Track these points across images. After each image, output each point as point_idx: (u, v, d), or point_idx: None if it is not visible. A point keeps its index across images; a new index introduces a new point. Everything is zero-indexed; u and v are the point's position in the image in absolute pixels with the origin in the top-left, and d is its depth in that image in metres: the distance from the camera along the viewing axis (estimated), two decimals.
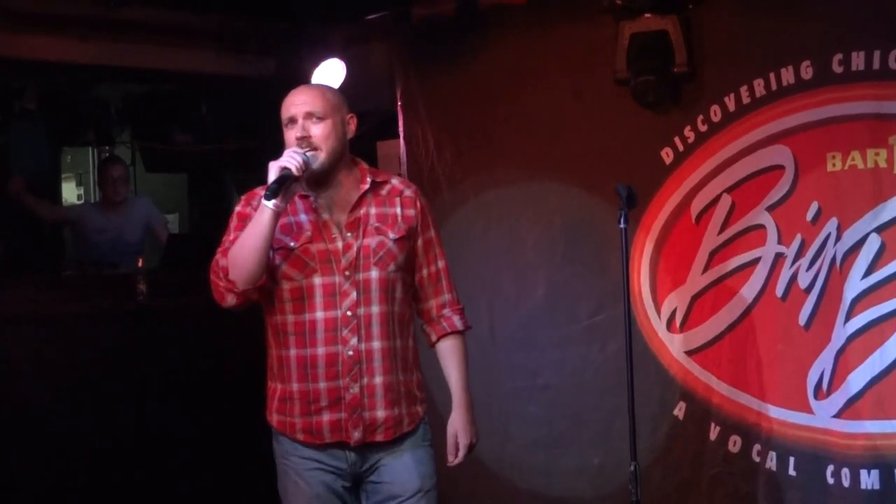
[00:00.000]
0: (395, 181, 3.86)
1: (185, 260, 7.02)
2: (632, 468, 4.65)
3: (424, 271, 3.84)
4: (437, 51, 6.16)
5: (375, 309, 3.70)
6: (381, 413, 3.70)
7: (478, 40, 5.99)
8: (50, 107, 7.85)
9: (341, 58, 6.52)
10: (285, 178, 3.57)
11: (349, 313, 3.68)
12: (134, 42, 6.61)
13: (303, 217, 3.73)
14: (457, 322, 3.87)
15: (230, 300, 3.70)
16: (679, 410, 5.36)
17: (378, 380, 3.70)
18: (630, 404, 4.71)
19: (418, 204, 3.82)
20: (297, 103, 3.73)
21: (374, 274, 3.70)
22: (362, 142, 6.50)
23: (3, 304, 5.94)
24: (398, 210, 3.78)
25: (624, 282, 4.79)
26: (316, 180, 3.72)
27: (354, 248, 3.70)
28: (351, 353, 3.68)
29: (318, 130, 3.69)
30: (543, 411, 5.79)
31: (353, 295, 3.69)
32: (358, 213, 3.74)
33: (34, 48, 6.40)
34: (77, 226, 7.59)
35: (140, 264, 6.73)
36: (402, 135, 6.33)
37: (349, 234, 3.71)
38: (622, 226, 4.73)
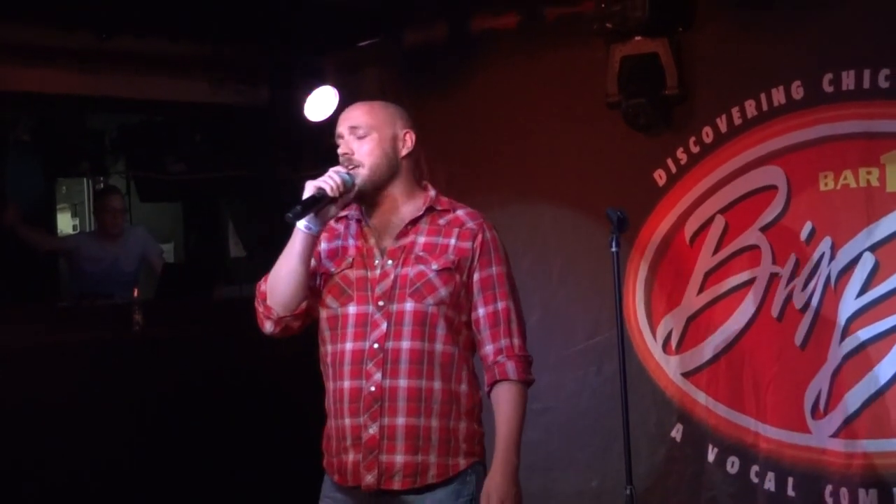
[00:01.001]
0: (460, 212, 3.56)
1: (180, 289, 7.04)
2: (627, 492, 4.63)
3: (480, 311, 3.50)
4: (429, 76, 6.18)
5: (406, 344, 3.43)
6: (399, 458, 3.41)
7: (469, 65, 6.01)
8: (44, 138, 7.88)
9: (334, 85, 6.53)
10: (317, 198, 3.40)
11: (376, 346, 3.43)
12: (127, 73, 6.62)
13: (350, 241, 3.55)
14: (509, 370, 3.46)
15: (268, 327, 3.53)
16: (676, 432, 5.35)
17: (400, 421, 3.41)
18: (625, 427, 4.70)
19: (479, 238, 3.50)
20: (343, 119, 3.57)
21: (409, 306, 3.43)
22: None
23: None
24: (452, 241, 3.49)
25: (617, 305, 4.78)
26: (368, 201, 3.54)
27: (391, 277, 3.46)
28: (373, 388, 3.42)
29: (361, 146, 3.50)
30: (541, 435, 5.76)
31: (384, 326, 3.43)
32: (404, 240, 3.50)
33: (28, 80, 6.42)
34: (72, 256, 7.59)
35: (135, 294, 6.74)
36: None
37: (389, 262, 3.47)
38: (613, 249, 4.71)
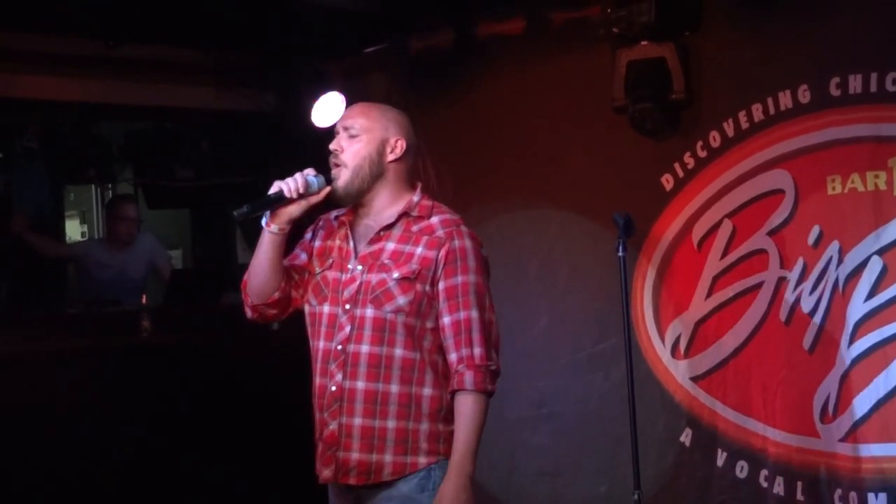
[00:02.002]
0: (435, 219, 3.61)
1: (188, 296, 7.04)
2: (635, 497, 4.63)
3: (445, 319, 3.55)
4: (436, 82, 6.19)
5: (365, 348, 3.54)
6: (354, 456, 3.54)
7: (476, 71, 6.02)
8: (52, 145, 7.88)
9: (341, 91, 6.54)
10: (270, 199, 3.53)
11: (339, 347, 3.57)
12: (134, 80, 6.64)
13: (336, 242, 3.67)
14: (467, 380, 3.50)
15: (248, 313, 3.72)
16: (685, 437, 5.34)
17: (357, 421, 3.53)
18: (633, 432, 4.70)
19: (446, 247, 3.54)
20: (344, 116, 3.67)
21: (370, 312, 3.54)
22: None
23: (7, 342, 5.95)
24: (418, 250, 3.56)
25: (624, 309, 4.78)
26: (353, 202, 3.64)
27: (357, 282, 3.57)
28: (334, 388, 3.56)
29: (350, 146, 3.59)
30: (549, 440, 5.78)
31: (347, 329, 3.56)
32: (376, 246, 3.60)
33: (35, 88, 6.44)
34: (81, 262, 7.61)
35: (144, 301, 6.74)
36: None
37: (359, 267, 3.58)
38: (620, 254, 4.73)
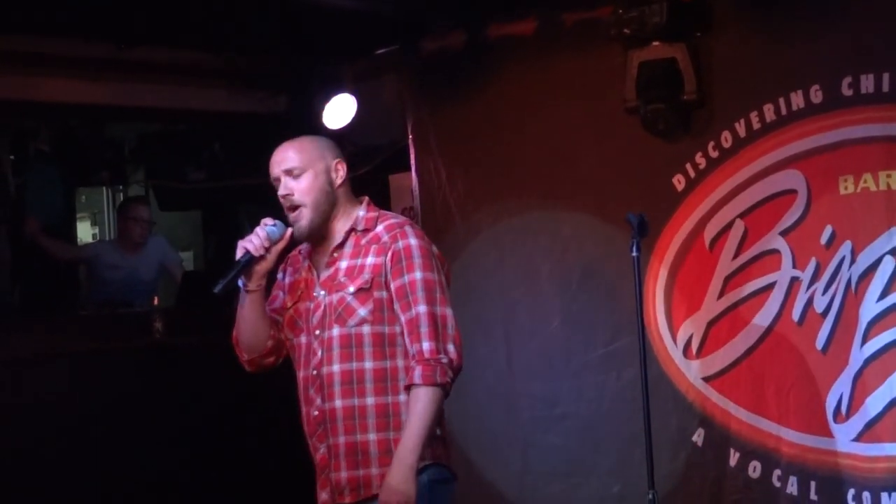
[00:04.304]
0: (380, 227, 3.71)
1: (200, 297, 7.04)
2: (650, 497, 4.64)
3: (402, 319, 3.62)
4: (448, 83, 6.19)
5: (336, 368, 3.62)
6: (344, 475, 3.63)
7: (487, 72, 6.01)
8: (64, 148, 7.91)
9: (352, 92, 6.56)
10: (241, 264, 3.62)
11: (314, 372, 3.67)
12: (145, 82, 6.66)
13: (303, 274, 3.79)
14: (415, 375, 3.55)
15: (246, 367, 3.86)
16: (698, 437, 5.34)
17: (341, 440, 3.63)
18: (647, 432, 4.71)
19: (391, 249, 3.64)
20: (275, 162, 3.73)
21: (335, 332, 3.64)
22: (374, 175, 6.59)
23: (19, 345, 5.97)
24: (368, 260, 3.66)
25: (638, 309, 4.79)
26: (315, 236, 3.72)
27: (322, 307, 3.68)
28: (316, 413, 3.67)
29: (298, 185, 3.67)
30: (562, 440, 5.78)
31: (319, 353, 3.66)
32: (332, 268, 3.70)
33: (47, 90, 6.46)
34: (92, 264, 7.62)
35: (155, 302, 6.76)
36: (413, 167, 6.35)
37: (322, 293, 3.69)
38: (634, 254, 4.74)
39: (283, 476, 6.37)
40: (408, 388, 3.58)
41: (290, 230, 3.68)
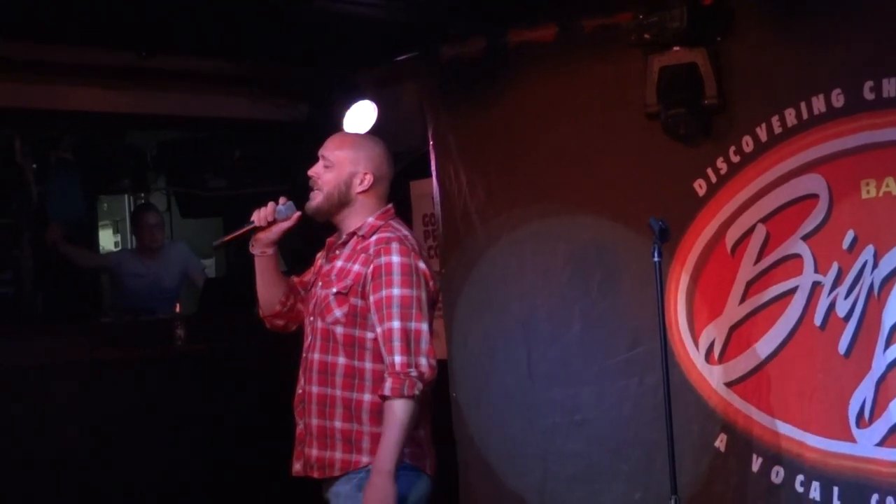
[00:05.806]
0: (373, 238, 3.92)
1: (222, 304, 7.07)
2: (672, 502, 4.62)
3: (378, 330, 3.83)
4: (468, 89, 6.19)
5: (316, 356, 3.92)
6: (314, 452, 3.92)
7: (507, 78, 6.01)
8: (85, 156, 7.95)
9: (373, 99, 6.57)
10: (245, 229, 3.99)
11: (305, 355, 3.99)
12: (166, 90, 6.69)
13: (321, 262, 4.09)
14: (386, 387, 3.76)
15: (265, 323, 4.19)
16: (720, 442, 5.33)
17: (314, 421, 3.92)
18: (669, 437, 4.70)
19: (374, 263, 3.85)
20: (326, 143, 4.03)
21: (319, 323, 3.93)
22: (396, 182, 6.58)
23: (42, 352, 6.00)
24: (355, 266, 3.89)
25: (659, 314, 4.78)
26: (324, 220, 4.00)
27: (315, 298, 3.98)
28: (300, 391, 3.98)
29: (323, 174, 3.96)
30: (583, 446, 5.77)
31: (310, 339, 3.98)
32: (331, 264, 3.98)
33: (69, 99, 6.49)
34: (114, 272, 7.66)
35: (177, 309, 6.78)
36: (434, 174, 6.36)
37: (319, 285, 3.99)
38: (656, 259, 4.74)
39: (305, 483, 6.38)
40: (382, 397, 3.79)
41: (297, 213, 3.97)
